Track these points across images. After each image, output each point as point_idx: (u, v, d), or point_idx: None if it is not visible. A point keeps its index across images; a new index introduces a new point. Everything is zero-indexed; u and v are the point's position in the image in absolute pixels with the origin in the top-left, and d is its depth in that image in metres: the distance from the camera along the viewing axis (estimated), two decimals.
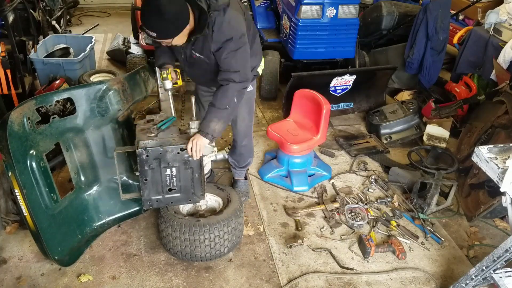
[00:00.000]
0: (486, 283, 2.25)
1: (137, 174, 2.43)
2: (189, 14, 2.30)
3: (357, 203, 3.16)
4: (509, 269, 2.17)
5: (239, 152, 3.09)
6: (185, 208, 2.80)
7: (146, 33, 2.32)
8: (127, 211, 2.93)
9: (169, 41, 2.32)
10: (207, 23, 2.30)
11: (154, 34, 2.26)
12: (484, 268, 2.17)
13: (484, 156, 2.10)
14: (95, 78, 4.10)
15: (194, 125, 2.48)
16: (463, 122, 3.94)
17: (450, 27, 4.41)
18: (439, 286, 2.57)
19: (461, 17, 4.93)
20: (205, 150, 2.52)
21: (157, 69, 2.83)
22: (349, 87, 4.17)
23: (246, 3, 5.14)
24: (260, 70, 2.86)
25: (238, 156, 3.12)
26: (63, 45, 4.70)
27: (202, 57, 2.45)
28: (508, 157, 2.07)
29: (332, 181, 3.42)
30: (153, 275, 2.56)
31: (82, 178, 2.78)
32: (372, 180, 3.41)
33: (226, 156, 3.17)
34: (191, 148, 2.37)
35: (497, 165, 2.04)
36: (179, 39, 2.34)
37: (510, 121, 3.13)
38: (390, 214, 3.09)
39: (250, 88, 2.76)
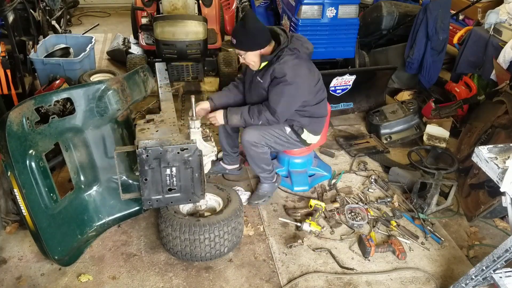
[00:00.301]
0: (486, 283, 2.24)
1: (137, 173, 2.43)
2: (269, 40, 2.77)
3: (357, 203, 3.16)
4: (509, 269, 2.17)
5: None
6: (185, 208, 2.80)
7: (230, 42, 2.81)
8: (127, 211, 2.93)
9: (242, 52, 2.75)
10: (278, 55, 2.71)
11: (234, 41, 2.74)
12: (484, 268, 2.17)
13: (484, 156, 2.10)
14: (95, 78, 4.10)
15: (193, 125, 2.48)
16: (463, 122, 3.94)
17: (450, 27, 4.41)
18: (439, 286, 2.57)
19: (461, 17, 4.93)
20: (205, 150, 2.53)
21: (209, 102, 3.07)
22: (349, 87, 4.17)
23: (246, 3, 5.15)
24: (310, 139, 3.07)
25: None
26: (63, 45, 4.70)
27: (262, 81, 2.81)
28: (508, 157, 2.07)
29: (333, 181, 3.41)
30: (153, 275, 2.56)
31: (82, 178, 2.77)
32: (372, 180, 3.40)
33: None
34: (212, 117, 2.92)
35: (497, 165, 2.03)
36: (252, 56, 2.76)
37: (510, 121, 3.12)
38: (390, 214, 3.09)
39: (283, 132, 2.98)
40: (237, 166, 3.43)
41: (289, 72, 2.68)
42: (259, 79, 2.82)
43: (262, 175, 3.11)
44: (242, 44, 2.73)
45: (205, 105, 3.02)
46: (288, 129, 2.96)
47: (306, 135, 3.02)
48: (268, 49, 2.77)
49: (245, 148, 2.94)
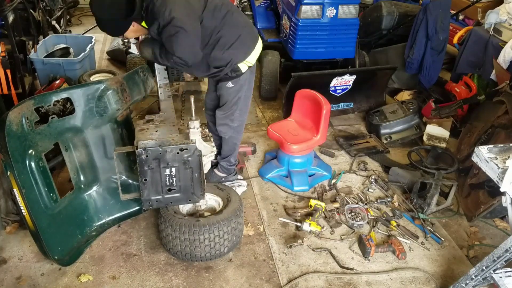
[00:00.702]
0: (486, 283, 2.24)
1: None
2: (129, 3, 2.43)
3: (357, 203, 3.15)
4: (509, 269, 2.17)
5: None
6: (184, 208, 2.80)
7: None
8: (127, 211, 2.93)
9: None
10: (143, 6, 2.44)
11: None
12: (484, 268, 2.17)
13: (484, 156, 2.10)
14: (95, 78, 4.10)
15: (193, 125, 2.48)
16: (463, 122, 3.94)
17: (450, 27, 4.41)
18: (439, 286, 2.57)
19: (461, 17, 4.92)
20: (204, 150, 2.53)
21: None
22: (349, 87, 4.17)
23: (246, 3, 5.14)
24: (246, 66, 2.79)
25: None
26: (63, 45, 4.70)
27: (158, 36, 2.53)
28: (508, 157, 2.07)
29: (333, 181, 3.41)
30: (153, 275, 2.56)
31: (82, 178, 2.77)
32: (372, 180, 3.40)
33: None
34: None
35: (497, 165, 2.03)
36: (130, 34, 2.63)
37: (510, 121, 3.12)
38: (390, 214, 3.09)
39: (230, 85, 2.82)
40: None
41: (161, 16, 2.40)
42: (154, 35, 2.55)
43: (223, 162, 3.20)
44: (109, 30, 2.57)
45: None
46: (230, 84, 2.82)
47: (244, 66, 2.81)
48: (137, 11, 2.46)
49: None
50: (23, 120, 2.31)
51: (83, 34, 5.85)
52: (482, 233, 3.00)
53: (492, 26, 4.01)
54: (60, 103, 2.98)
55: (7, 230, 2.80)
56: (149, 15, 2.47)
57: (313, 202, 3.02)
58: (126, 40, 5.54)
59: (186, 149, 2.38)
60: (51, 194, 2.48)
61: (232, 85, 2.83)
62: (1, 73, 3.44)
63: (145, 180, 2.41)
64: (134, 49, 5.18)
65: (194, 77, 3.92)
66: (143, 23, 2.58)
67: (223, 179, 3.27)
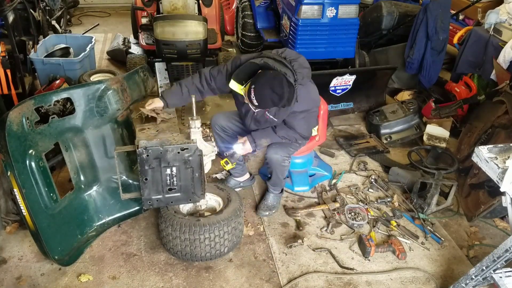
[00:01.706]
0: (486, 283, 2.25)
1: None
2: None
3: (357, 203, 3.15)
4: (509, 269, 2.17)
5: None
6: (185, 207, 2.80)
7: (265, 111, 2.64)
8: (127, 211, 2.93)
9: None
10: (294, 95, 2.51)
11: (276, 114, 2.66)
12: (484, 268, 2.17)
13: (484, 156, 2.10)
14: (95, 78, 4.10)
15: (194, 125, 2.48)
16: (463, 122, 3.94)
17: (450, 27, 4.41)
18: (439, 286, 2.57)
19: (461, 17, 4.93)
20: (205, 150, 2.52)
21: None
22: (349, 87, 4.17)
23: (246, 3, 5.14)
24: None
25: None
26: (63, 45, 4.69)
27: (276, 120, 2.70)
28: (508, 157, 2.07)
29: (333, 181, 3.41)
30: (153, 275, 2.56)
31: (82, 178, 2.77)
32: (372, 180, 3.40)
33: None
34: (240, 145, 2.75)
35: (497, 165, 2.03)
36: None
37: (510, 121, 3.12)
38: (390, 214, 3.09)
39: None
40: (248, 176, 3.35)
41: (308, 104, 2.69)
42: (272, 117, 2.69)
43: (275, 187, 3.06)
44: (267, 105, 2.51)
45: (159, 104, 2.76)
46: None
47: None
48: None
49: (273, 164, 2.89)
50: (24, 120, 2.31)
51: (83, 34, 5.84)
52: (482, 233, 3.00)
53: (492, 26, 4.01)
54: (60, 103, 2.98)
55: (7, 230, 2.80)
56: None
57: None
58: (127, 40, 5.55)
59: (187, 148, 2.38)
60: (51, 194, 2.48)
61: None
62: (1, 73, 3.44)
63: (146, 179, 2.41)
64: (134, 49, 5.19)
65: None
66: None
67: (281, 194, 3.17)
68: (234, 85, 2.57)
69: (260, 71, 2.50)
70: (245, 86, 2.54)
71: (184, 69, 4.43)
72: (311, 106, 2.74)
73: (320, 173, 3.45)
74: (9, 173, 2.24)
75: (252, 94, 2.41)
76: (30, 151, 2.35)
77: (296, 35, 4.17)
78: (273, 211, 3.07)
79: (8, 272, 2.54)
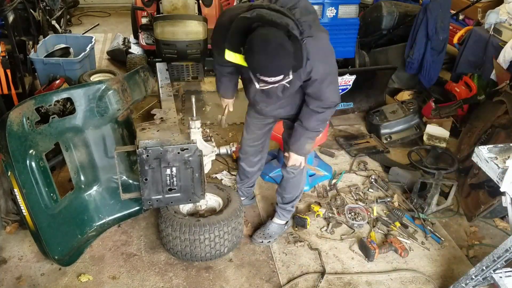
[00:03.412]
0: (486, 283, 2.25)
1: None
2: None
3: (357, 203, 3.15)
4: (509, 269, 2.17)
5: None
6: (185, 208, 2.80)
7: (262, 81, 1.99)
8: (127, 211, 2.93)
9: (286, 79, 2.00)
10: (303, 53, 1.99)
11: (275, 77, 1.94)
12: (484, 268, 2.17)
13: (484, 156, 2.11)
14: (95, 78, 4.09)
15: (194, 125, 2.47)
16: (463, 122, 3.94)
17: (450, 27, 4.41)
18: (439, 286, 2.57)
19: (461, 17, 4.93)
20: (205, 150, 2.52)
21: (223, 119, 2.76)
22: (349, 87, 4.17)
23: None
24: None
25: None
26: (63, 45, 4.69)
27: (289, 86, 2.15)
28: (508, 157, 2.08)
29: (333, 181, 3.41)
30: (153, 275, 2.56)
31: (82, 178, 2.77)
32: (372, 180, 3.40)
33: (229, 152, 3.00)
34: (295, 165, 2.50)
35: (497, 165, 2.04)
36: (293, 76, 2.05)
37: (510, 121, 3.12)
38: (399, 214, 3.05)
39: None
40: (251, 199, 3.19)
41: (323, 66, 2.12)
42: (286, 84, 2.09)
43: (287, 207, 2.80)
44: (287, 70, 1.96)
45: (231, 105, 2.69)
46: None
47: None
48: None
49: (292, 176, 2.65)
50: (24, 120, 2.31)
51: (83, 34, 5.85)
52: (482, 233, 3.00)
53: (492, 26, 4.01)
54: (60, 103, 2.98)
55: (7, 230, 2.80)
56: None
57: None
58: (127, 40, 5.55)
59: (187, 149, 2.38)
60: (52, 194, 2.48)
61: None
62: (1, 73, 3.43)
63: (146, 179, 2.41)
64: (134, 49, 5.20)
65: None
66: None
67: (285, 227, 2.89)
68: (230, 56, 2.01)
69: (254, 31, 1.91)
70: (244, 53, 1.98)
71: (184, 69, 4.43)
72: (330, 62, 2.16)
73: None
74: (9, 173, 2.24)
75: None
76: (31, 151, 2.35)
77: None
78: (268, 241, 2.78)
79: (8, 272, 2.54)
